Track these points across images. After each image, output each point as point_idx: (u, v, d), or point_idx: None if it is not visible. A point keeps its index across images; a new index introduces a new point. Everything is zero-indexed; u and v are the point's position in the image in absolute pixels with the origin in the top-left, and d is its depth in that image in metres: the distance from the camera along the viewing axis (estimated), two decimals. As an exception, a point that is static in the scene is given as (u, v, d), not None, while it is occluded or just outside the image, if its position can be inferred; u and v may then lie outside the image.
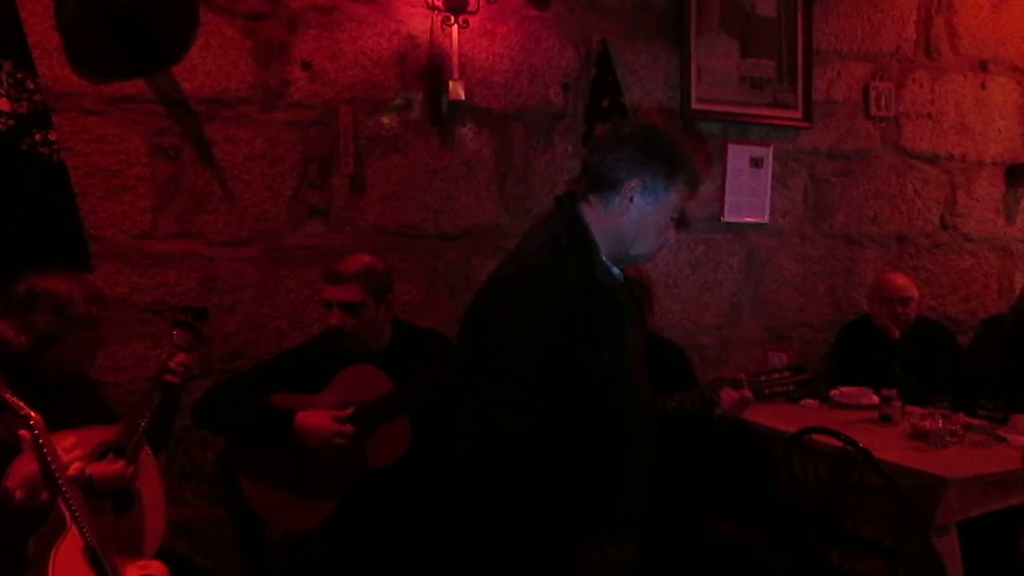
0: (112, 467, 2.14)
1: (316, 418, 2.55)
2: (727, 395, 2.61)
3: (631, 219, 1.87)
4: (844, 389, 3.57)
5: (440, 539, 2.58)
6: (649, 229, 1.90)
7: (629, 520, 1.95)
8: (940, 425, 2.93)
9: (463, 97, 3.28)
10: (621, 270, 1.98)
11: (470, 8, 3.24)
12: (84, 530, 1.79)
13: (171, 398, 2.38)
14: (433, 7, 3.24)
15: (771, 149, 3.93)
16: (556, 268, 1.81)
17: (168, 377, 2.33)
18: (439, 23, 3.25)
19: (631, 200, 1.86)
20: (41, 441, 1.68)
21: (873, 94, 4.12)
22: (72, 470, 1.73)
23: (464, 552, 1.98)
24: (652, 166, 1.86)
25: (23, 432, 1.66)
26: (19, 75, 2.71)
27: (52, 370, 2.23)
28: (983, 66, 4.36)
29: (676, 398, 2.65)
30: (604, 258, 1.90)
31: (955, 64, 4.31)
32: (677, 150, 1.92)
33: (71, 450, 1.78)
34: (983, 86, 4.37)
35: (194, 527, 3.08)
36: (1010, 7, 4.39)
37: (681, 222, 1.98)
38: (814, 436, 2.85)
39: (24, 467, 1.73)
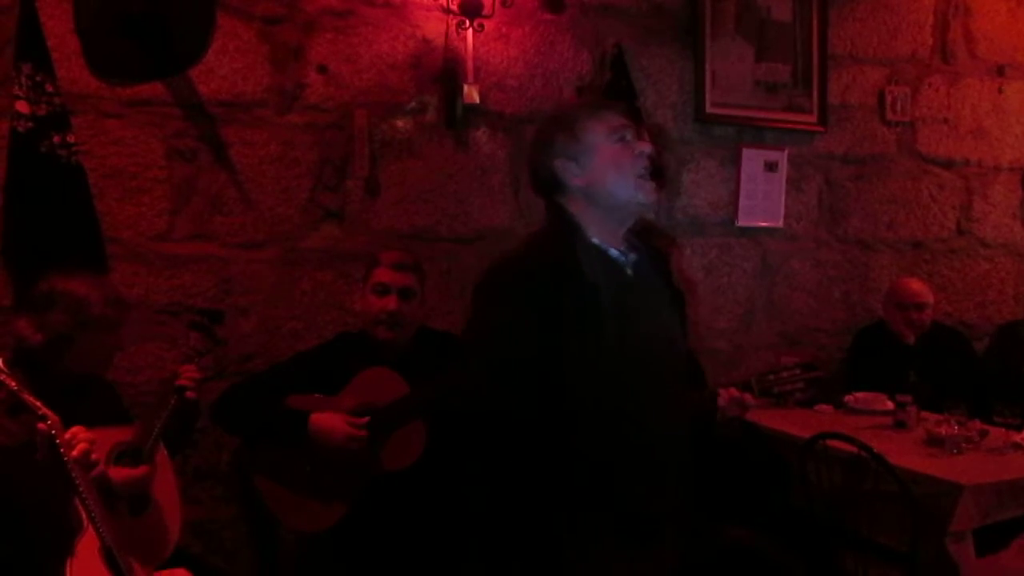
0: (132, 472, 2.15)
1: (330, 420, 2.56)
2: (724, 393, 2.56)
3: (589, 186, 1.88)
4: (859, 395, 3.55)
5: (452, 543, 2.58)
6: (608, 174, 1.87)
7: (641, 522, 1.83)
8: (956, 431, 2.91)
9: (478, 101, 3.30)
10: (637, 248, 1.93)
11: (485, 12, 3.26)
12: (100, 530, 1.80)
13: (188, 404, 2.39)
14: (448, 11, 3.26)
15: (786, 153, 3.92)
16: (524, 256, 1.86)
17: (189, 394, 2.35)
18: (454, 27, 3.26)
19: (573, 175, 1.89)
20: (58, 441, 1.69)
21: (889, 99, 4.10)
22: (95, 471, 1.74)
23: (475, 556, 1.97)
24: (558, 143, 1.90)
25: (40, 426, 1.67)
26: (38, 78, 2.74)
27: (69, 370, 2.24)
28: (1000, 71, 4.33)
29: None
30: (597, 240, 1.87)
31: (972, 69, 4.29)
32: (560, 114, 2.04)
33: (90, 443, 1.79)
34: (1000, 91, 4.34)
35: (208, 527, 3.10)
36: (1027, 12, 4.37)
37: (628, 134, 1.95)
38: (828, 442, 2.84)
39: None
